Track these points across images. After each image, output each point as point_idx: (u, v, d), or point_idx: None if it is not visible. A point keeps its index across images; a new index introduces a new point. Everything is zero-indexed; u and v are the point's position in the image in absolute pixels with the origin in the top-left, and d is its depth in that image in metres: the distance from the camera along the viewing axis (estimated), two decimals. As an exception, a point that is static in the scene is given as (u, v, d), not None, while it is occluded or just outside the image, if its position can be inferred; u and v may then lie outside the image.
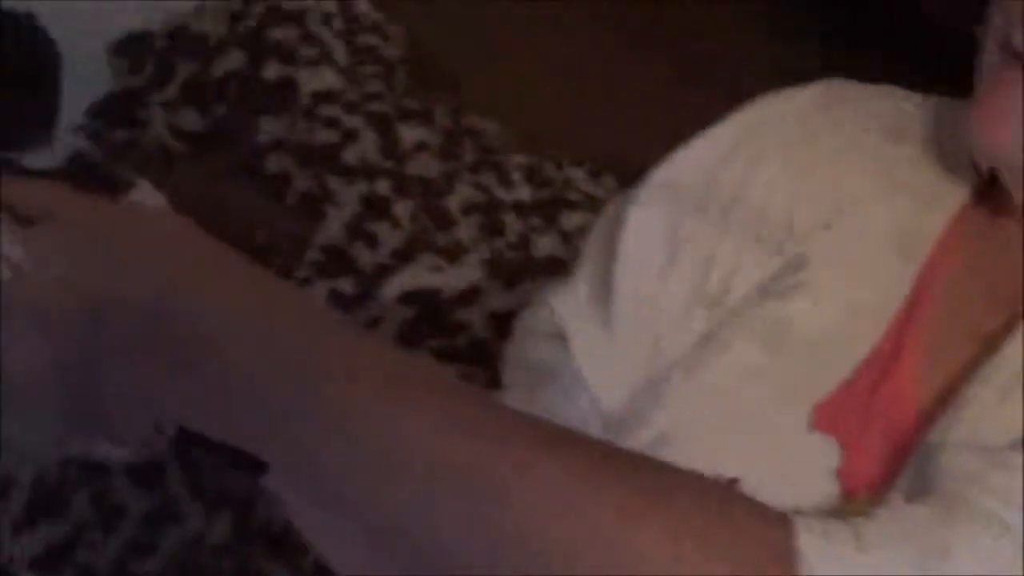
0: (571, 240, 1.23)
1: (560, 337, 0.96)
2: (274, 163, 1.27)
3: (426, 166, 1.25)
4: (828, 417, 0.76)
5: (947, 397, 0.71)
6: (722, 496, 0.56)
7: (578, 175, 1.28)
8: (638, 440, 0.74)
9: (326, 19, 1.31)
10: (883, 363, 0.76)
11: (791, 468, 0.76)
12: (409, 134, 1.25)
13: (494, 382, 1.10)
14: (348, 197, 1.20)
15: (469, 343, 1.19)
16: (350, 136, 1.23)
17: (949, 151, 0.80)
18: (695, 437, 0.79)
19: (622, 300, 0.90)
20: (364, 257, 1.18)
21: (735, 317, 0.83)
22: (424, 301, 1.16)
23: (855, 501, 0.73)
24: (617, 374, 0.89)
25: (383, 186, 1.19)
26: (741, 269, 0.84)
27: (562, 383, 0.93)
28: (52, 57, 0.62)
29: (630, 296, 0.90)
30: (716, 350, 0.82)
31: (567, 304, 0.96)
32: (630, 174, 1.25)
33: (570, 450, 0.55)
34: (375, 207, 1.18)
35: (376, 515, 0.55)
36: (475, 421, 0.54)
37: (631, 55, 1.25)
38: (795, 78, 0.96)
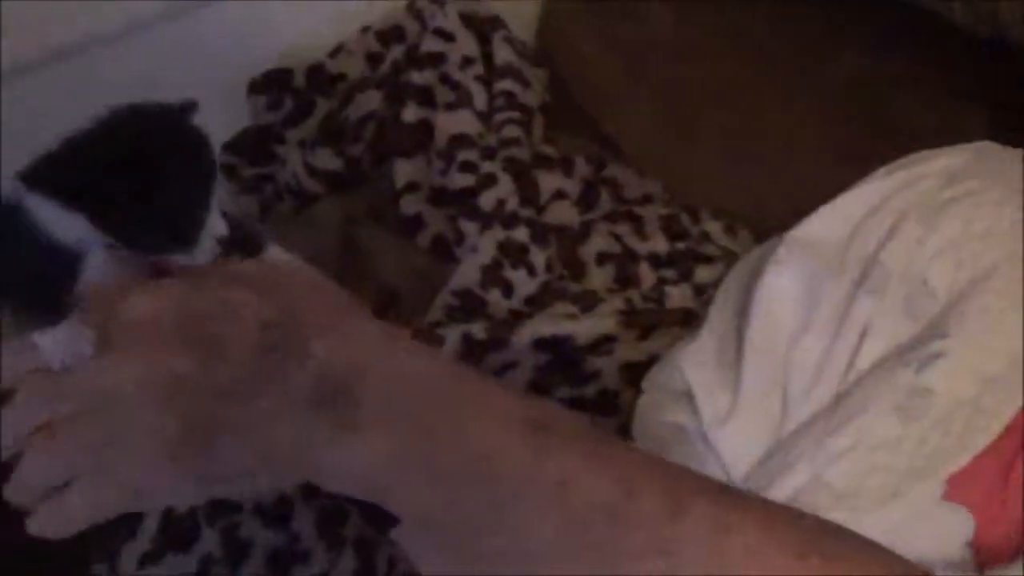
0: (704, 293, 1.21)
1: (689, 396, 0.94)
2: (409, 205, 1.26)
3: (564, 215, 1.24)
4: (962, 489, 0.75)
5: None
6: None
7: (715, 228, 1.26)
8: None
9: (466, 63, 1.30)
10: (1019, 436, 0.74)
11: (924, 538, 0.74)
12: (548, 182, 1.24)
13: (622, 431, 1.09)
14: (484, 242, 1.19)
15: (599, 392, 1.17)
16: (487, 181, 1.23)
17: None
18: (825, 505, 0.77)
19: (753, 361, 0.89)
20: (498, 303, 1.17)
21: (870, 382, 0.81)
22: (557, 348, 1.15)
23: (989, 572, 0.75)
24: (746, 439, 0.87)
25: (521, 233, 1.18)
26: (878, 332, 0.83)
27: (692, 445, 0.91)
28: (207, 161, 0.60)
29: (761, 356, 0.88)
30: (849, 416, 0.80)
31: (696, 365, 0.95)
32: (768, 229, 1.23)
33: (764, 514, 0.53)
34: (511, 254, 1.17)
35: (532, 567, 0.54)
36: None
37: (774, 106, 1.23)
38: (952, 138, 0.94)
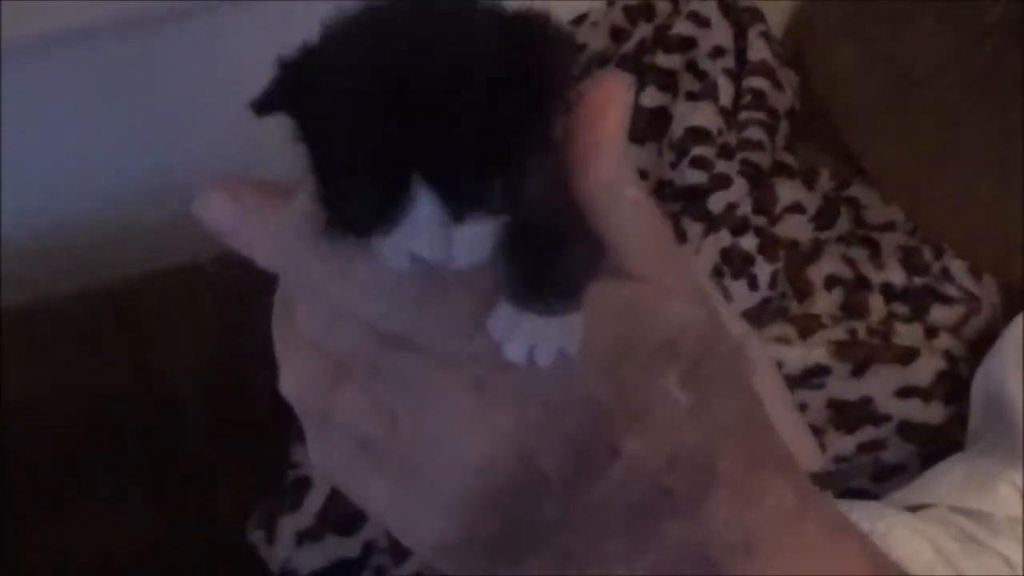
0: (936, 335, 1.11)
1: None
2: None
3: (797, 229, 1.15)
4: None
5: None
6: None
7: (958, 268, 1.15)
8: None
9: (717, 52, 1.22)
10: None
11: None
12: (787, 192, 1.15)
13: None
14: (707, 246, 1.11)
15: (802, 427, 1.09)
16: (719, 182, 1.14)
17: None
18: None
19: None
20: (711, 313, 1.09)
21: None
22: (764, 374, 1.06)
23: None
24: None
25: (748, 242, 1.09)
26: None
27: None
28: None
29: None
30: None
31: None
32: (1015, 282, 1.12)
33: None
34: (735, 263, 1.09)
35: None
36: None
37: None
38: None
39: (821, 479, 1.02)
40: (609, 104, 0.41)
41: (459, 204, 0.42)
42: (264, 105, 0.44)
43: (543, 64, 0.43)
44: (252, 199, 0.44)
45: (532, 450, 0.40)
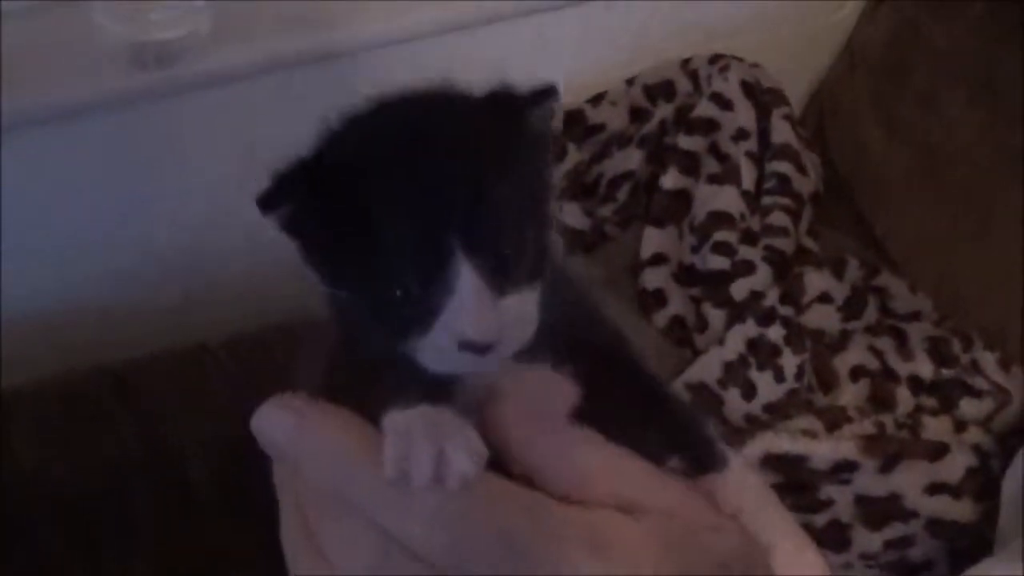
0: (965, 429, 1.08)
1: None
2: (651, 279, 1.16)
3: (824, 319, 1.12)
4: None
5: None
6: None
7: (988, 360, 1.12)
8: None
9: (740, 135, 1.19)
10: None
11: None
12: (815, 281, 1.12)
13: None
14: (732, 336, 1.08)
15: (829, 523, 1.06)
16: (743, 268, 1.12)
17: None
18: None
19: None
20: (736, 405, 1.06)
21: None
22: (789, 469, 1.03)
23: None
24: None
25: (775, 333, 1.06)
26: None
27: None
28: None
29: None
30: None
31: None
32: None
33: None
34: (761, 354, 1.06)
35: None
36: None
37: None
38: None
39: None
40: None
41: (500, 272, 0.42)
42: (271, 200, 0.43)
43: (533, 125, 0.45)
44: (312, 416, 0.44)
45: None
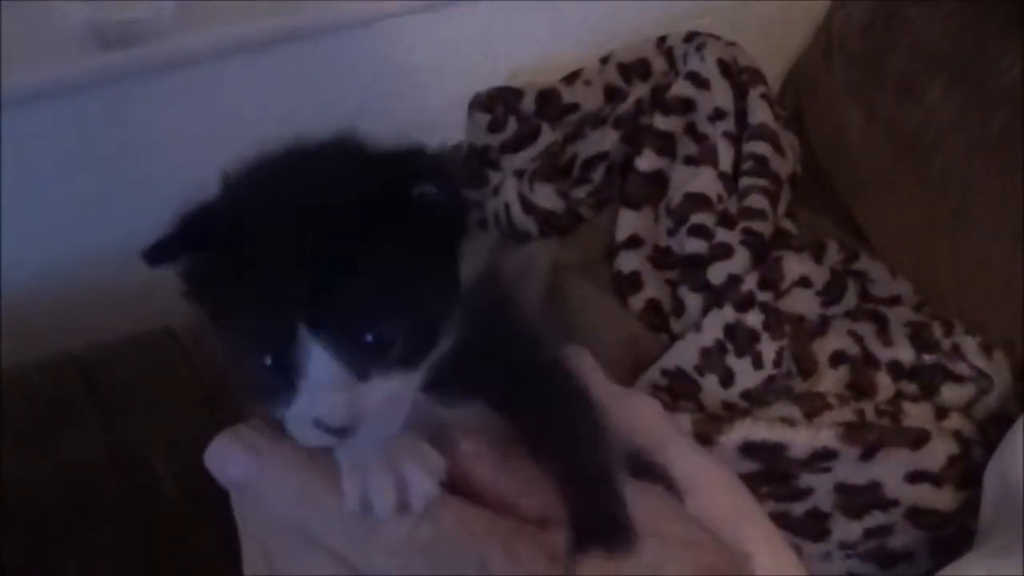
0: (947, 415, 1.06)
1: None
2: (627, 262, 1.14)
3: (804, 304, 1.10)
4: None
5: None
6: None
7: (970, 345, 1.10)
8: None
9: (717, 115, 1.17)
10: None
11: None
12: (794, 265, 1.10)
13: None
14: (709, 321, 1.06)
15: (808, 513, 1.04)
16: (720, 251, 1.09)
17: None
18: None
19: None
20: (713, 392, 1.04)
21: None
22: (768, 457, 1.02)
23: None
24: None
25: (753, 318, 1.04)
26: None
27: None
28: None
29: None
30: None
31: None
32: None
33: None
34: (739, 340, 1.04)
35: None
36: None
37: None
38: None
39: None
40: None
41: (363, 355, 0.40)
42: (156, 254, 0.42)
43: (421, 199, 0.41)
44: (269, 450, 0.42)
45: None
